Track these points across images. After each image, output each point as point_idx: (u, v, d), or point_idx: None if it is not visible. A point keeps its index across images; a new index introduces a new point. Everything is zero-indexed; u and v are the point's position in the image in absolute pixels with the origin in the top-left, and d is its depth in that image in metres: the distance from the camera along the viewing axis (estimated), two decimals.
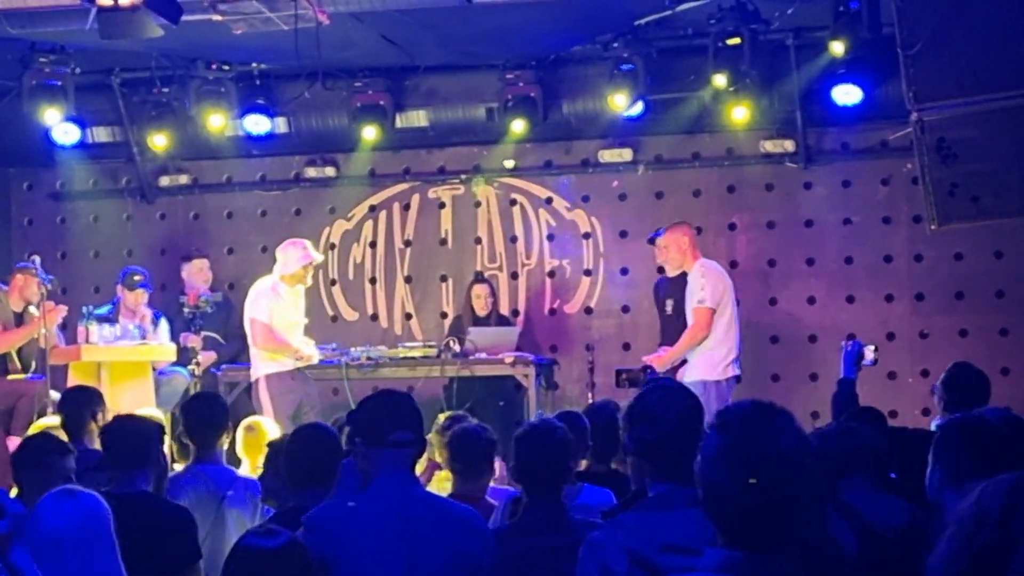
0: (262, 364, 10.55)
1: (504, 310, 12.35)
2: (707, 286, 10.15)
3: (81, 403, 7.46)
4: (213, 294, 11.68)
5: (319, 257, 10.99)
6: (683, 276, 10.49)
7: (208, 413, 6.81)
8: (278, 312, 10.57)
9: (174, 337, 11.07)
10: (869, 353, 7.63)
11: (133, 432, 5.81)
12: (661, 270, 11.17)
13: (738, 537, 2.84)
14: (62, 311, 10.64)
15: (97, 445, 7.10)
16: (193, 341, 11.10)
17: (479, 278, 12.16)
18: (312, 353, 10.71)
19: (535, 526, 4.88)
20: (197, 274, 11.96)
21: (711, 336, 10.11)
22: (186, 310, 11.29)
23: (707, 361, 10.13)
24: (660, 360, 10.14)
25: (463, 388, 11.23)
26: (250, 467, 7.63)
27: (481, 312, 11.82)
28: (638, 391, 4.20)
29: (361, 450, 4.65)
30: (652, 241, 10.83)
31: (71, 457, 5.72)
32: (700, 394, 9.00)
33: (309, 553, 4.13)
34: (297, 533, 4.31)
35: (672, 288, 10.75)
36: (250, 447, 7.79)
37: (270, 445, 6.40)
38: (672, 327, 10.63)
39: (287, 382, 10.50)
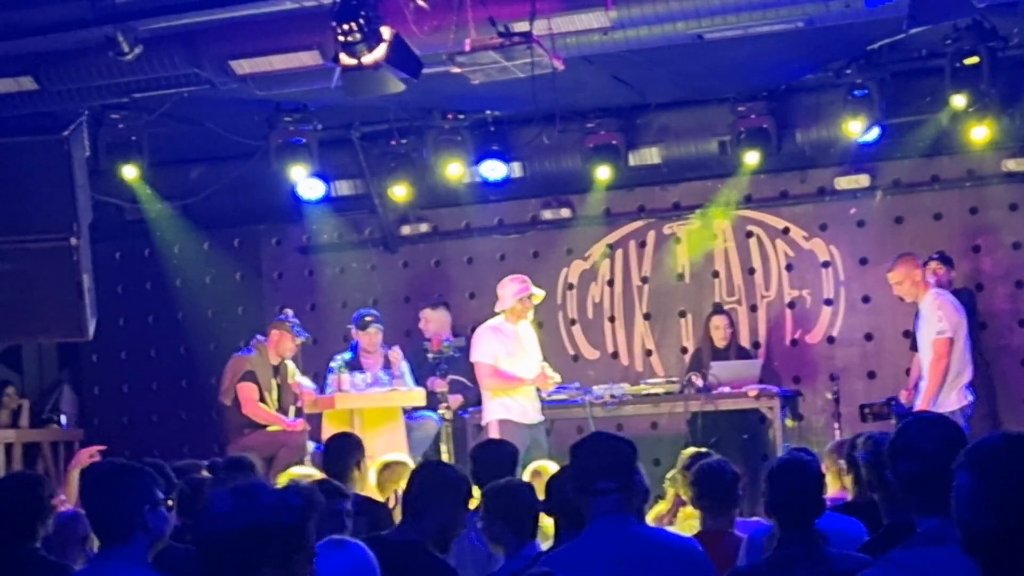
0: (492, 408, 10.54)
1: (744, 342, 12.29)
2: (944, 317, 9.96)
3: (345, 450, 7.62)
4: (456, 339, 11.89)
5: (537, 292, 10.77)
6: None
7: (494, 460, 6.76)
8: (503, 349, 10.56)
9: (417, 381, 11.26)
10: None
11: (428, 480, 5.51)
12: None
13: (1005, 574, 2.73)
14: None
15: (358, 490, 7.30)
16: (440, 386, 11.29)
17: (717, 309, 12.14)
18: (552, 375, 10.61)
19: (791, 560, 4.87)
20: (433, 322, 12.11)
21: (952, 365, 9.91)
22: (430, 356, 11.49)
23: (952, 390, 9.94)
24: (925, 403, 9.85)
25: (707, 423, 11.16)
26: None
27: (720, 344, 11.79)
28: (897, 423, 4.17)
29: (572, 496, 4.75)
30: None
31: (347, 501, 5.78)
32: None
33: None
34: None
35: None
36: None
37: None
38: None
39: (513, 428, 10.33)
